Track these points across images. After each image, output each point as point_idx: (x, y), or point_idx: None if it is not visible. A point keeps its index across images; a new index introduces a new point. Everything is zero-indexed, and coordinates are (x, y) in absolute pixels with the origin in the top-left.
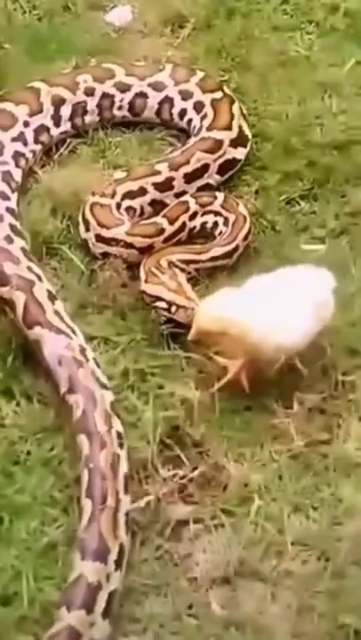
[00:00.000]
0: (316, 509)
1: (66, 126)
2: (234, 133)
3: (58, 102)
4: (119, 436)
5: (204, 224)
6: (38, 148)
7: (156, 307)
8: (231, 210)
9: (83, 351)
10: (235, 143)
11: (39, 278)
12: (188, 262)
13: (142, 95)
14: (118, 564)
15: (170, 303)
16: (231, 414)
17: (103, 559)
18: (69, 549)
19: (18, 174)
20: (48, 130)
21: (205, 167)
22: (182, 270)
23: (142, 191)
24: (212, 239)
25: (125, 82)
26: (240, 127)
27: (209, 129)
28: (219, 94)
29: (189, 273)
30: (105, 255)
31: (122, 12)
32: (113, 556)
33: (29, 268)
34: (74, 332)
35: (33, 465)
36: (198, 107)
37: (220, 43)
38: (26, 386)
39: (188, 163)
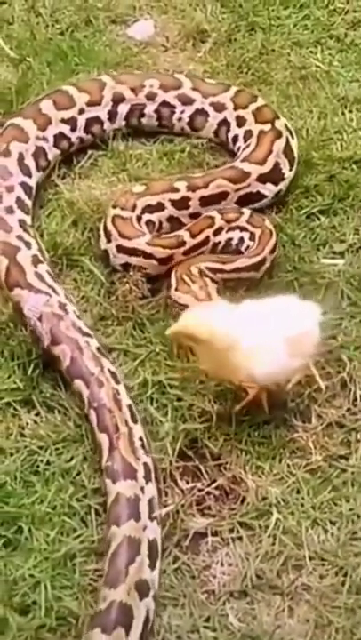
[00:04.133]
0: (335, 524)
1: (120, 123)
2: (266, 168)
3: (118, 99)
4: (113, 374)
5: (229, 240)
6: (87, 137)
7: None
8: (257, 225)
9: (63, 306)
10: (264, 178)
11: (27, 245)
12: (215, 271)
13: (203, 113)
14: (147, 478)
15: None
16: (249, 428)
17: (132, 476)
18: (87, 559)
19: (52, 154)
20: (102, 123)
21: (224, 194)
22: (213, 280)
23: (160, 206)
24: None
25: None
26: (276, 164)
27: (243, 160)
28: (267, 126)
29: (217, 282)
30: (125, 267)
31: (144, 26)
32: (140, 473)
33: (19, 237)
34: (55, 290)
35: (52, 475)
36: (247, 136)
37: (240, 57)
38: (46, 395)
39: (206, 187)
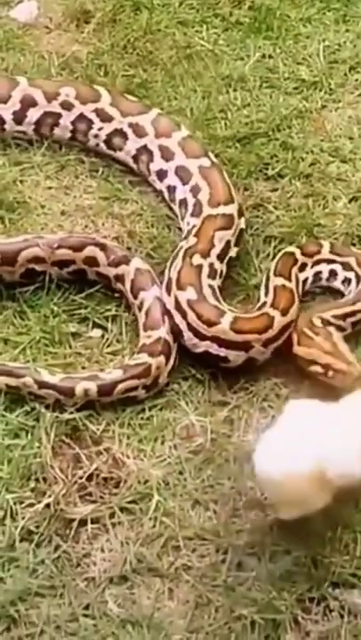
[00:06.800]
0: (217, 503)
1: (28, 128)
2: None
3: (29, 103)
4: None
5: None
6: None
7: (312, 371)
8: (347, 254)
9: None
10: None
11: None
12: (342, 317)
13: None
14: None
15: (326, 367)
16: (131, 412)
17: None
18: None
19: None
20: (3, 122)
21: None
22: (339, 328)
23: None
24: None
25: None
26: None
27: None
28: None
29: (345, 330)
30: None
31: (27, 7)
32: None
33: None
34: None
35: None
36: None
37: (125, 37)
38: None
39: None
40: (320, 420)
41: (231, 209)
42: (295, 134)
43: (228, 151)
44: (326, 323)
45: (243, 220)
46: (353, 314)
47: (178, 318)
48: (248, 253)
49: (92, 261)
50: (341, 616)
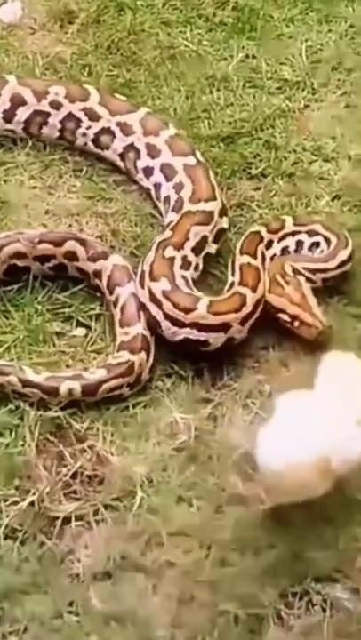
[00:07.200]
0: (200, 499)
1: (17, 127)
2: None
3: (18, 101)
4: None
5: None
6: None
7: (279, 318)
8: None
9: None
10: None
11: None
12: (315, 271)
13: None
14: None
15: (293, 317)
16: (115, 410)
17: None
18: None
19: None
20: None
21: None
22: (309, 280)
23: None
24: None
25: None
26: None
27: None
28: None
29: (314, 283)
30: None
31: (12, 8)
32: None
33: None
34: None
35: None
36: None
37: (109, 38)
38: None
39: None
40: (315, 409)
41: (212, 206)
42: (278, 134)
43: (212, 150)
44: (297, 272)
45: (225, 219)
46: (324, 270)
47: (154, 310)
48: (231, 251)
49: (72, 256)
50: (324, 610)
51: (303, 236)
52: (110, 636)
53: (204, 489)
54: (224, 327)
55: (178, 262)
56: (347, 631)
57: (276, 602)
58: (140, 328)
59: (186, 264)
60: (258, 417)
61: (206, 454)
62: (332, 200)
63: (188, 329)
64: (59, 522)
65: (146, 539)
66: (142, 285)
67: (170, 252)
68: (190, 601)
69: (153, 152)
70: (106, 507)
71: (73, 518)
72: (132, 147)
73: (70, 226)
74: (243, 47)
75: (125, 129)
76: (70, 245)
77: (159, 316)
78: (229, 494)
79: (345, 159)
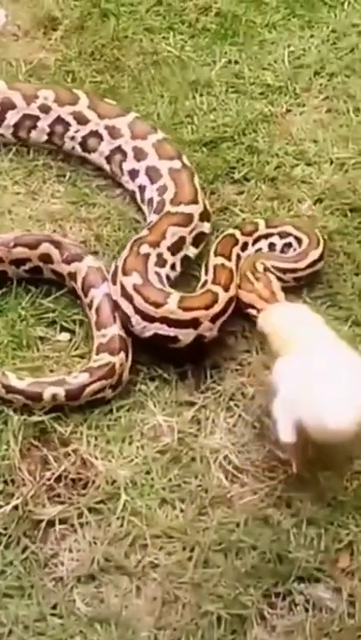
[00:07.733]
0: (183, 501)
1: (6, 132)
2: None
3: (8, 105)
4: None
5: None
6: None
7: (248, 313)
8: (279, 223)
9: None
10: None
11: None
12: (285, 271)
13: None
14: None
15: (261, 312)
16: (99, 413)
17: None
18: None
19: None
20: None
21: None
22: (279, 278)
23: None
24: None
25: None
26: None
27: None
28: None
29: (286, 282)
30: None
31: None
32: None
33: None
34: None
35: None
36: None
37: (93, 44)
38: None
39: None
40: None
41: (192, 209)
42: (261, 138)
43: (195, 155)
44: (267, 270)
45: (207, 224)
46: (293, 270)
47: (124, 304)
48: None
49: (46, 258)
50: (306, 610)
51: (275, 238)
52: (94, 639)
53: (188, 491)
54: (194, 323)
55: (153, 259)
56: (329, 631)
57: (259, 602)
58: (116, 329)
59: (161, 261)
60: (241, 419)
61: (190, 456)
62: (315, 204)
63: (157, 324)
64: (43, 525)
65: (130, 541)
66: (114, 282)
67: (145, 249)
68: (174, 602)
69: (139, 155)
70: (90, 510)
71: (57, 521)
72: (118, 149)
73: (54, 231)
74: (225, 53)
75: (113, 132)
76: (45, 248)
77: (129, 310)
78: (213, 496)
79: (327, 163)
